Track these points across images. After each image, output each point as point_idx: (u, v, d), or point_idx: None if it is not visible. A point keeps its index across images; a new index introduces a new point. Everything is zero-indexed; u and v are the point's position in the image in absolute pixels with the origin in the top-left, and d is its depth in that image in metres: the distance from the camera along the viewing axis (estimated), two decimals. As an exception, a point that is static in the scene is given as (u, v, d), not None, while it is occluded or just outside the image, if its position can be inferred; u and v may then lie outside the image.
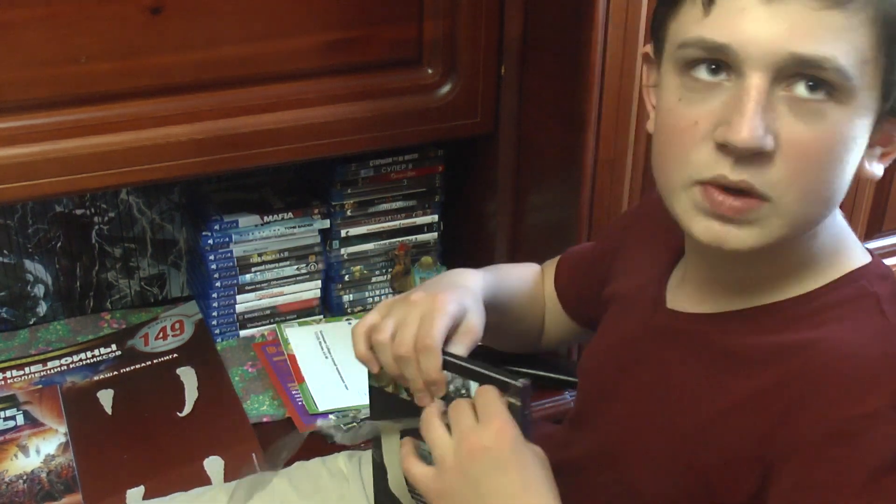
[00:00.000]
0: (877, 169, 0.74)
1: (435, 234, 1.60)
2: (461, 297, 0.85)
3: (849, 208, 0.85)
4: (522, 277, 1.07)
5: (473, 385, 0.78)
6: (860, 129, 0.70)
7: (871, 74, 0.67)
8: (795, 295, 0.76)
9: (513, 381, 0.76)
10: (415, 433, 0.82)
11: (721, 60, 0.69)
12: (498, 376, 0.77)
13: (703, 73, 0.70)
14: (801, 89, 0.67)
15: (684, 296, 0.83)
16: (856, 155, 0.71)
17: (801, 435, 0.70)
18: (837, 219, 0.79)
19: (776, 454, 0.71)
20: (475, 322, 0.83)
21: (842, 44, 0.65)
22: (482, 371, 0.78)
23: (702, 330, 0.79)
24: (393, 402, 0.86)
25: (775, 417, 0.71)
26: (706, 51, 0.69)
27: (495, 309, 0.93)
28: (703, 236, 0.72)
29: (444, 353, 0.79)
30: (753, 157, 0.68)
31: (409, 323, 0.80)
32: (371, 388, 0.88)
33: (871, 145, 0.72)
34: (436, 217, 1.59)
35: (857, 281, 0.76)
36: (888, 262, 0.82)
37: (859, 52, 0.66)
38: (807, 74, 0.66)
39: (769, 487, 0.71)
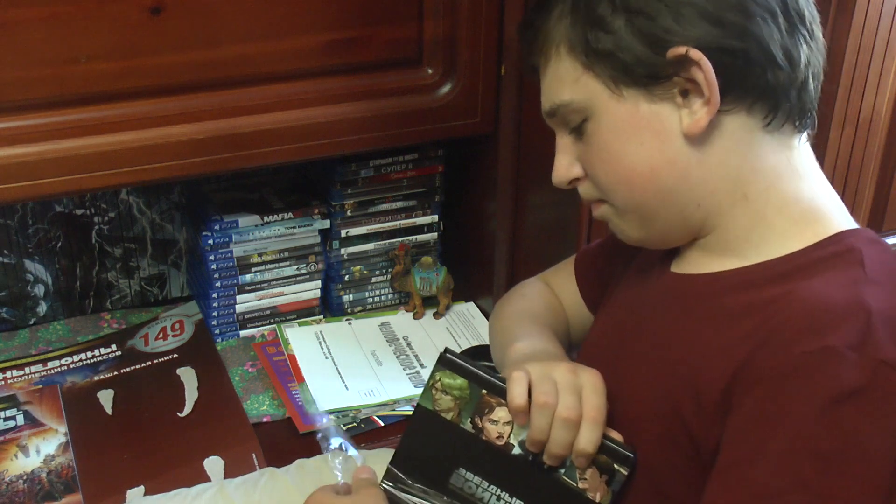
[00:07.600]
0: (703, 119, 0.78)
1: (435, 234, 1.60)
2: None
3: (848, 208, 0.87)
4: (546, 307, 1.12)
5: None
6: (618, 115, 0.81)
7: (590, 81, 0.81)
8: (784, 254, 0.81)
9: (625, 451, 0.84)
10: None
11: None
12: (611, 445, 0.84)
13: None
14: (571, 126, 0.85)
15: (687, 261, 0.88)
16: (643, 134, 0.81)
17: (761, 369, 0.73)
18: (818, 182, 0.84)
19: (738, 389, 0.75)
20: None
21: (553, 86, 0.85)
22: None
23: (697, 288, 0.85)
24: (445, 427, 0.88)
25: (744, 358, 0.75)
26: None
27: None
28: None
29: None
30: (576, 180, 0.88)
31: (576, 391, 0.84)
32: (421, 409, 0.89)
33: (681, 106, 0.79)
34: (436, 217, 1.59)
35: (845, 240, 0.80)
36: (888, 260, 0.83)
37: (567, 78, 0.83)
38: (563, 118, 0.85)
39: (728, 420, 0.75)
